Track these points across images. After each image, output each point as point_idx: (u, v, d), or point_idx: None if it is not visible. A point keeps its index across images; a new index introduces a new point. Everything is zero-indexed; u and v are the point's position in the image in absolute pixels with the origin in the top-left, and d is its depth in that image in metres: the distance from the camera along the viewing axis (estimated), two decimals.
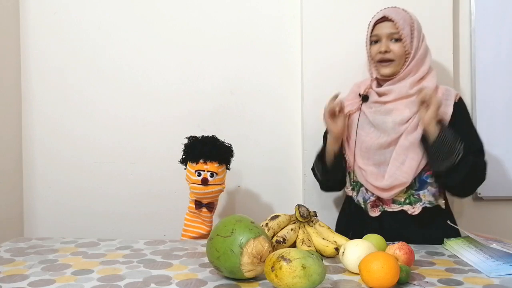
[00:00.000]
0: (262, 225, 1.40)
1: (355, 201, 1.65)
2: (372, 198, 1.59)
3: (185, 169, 1.72)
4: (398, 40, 1.56)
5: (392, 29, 1.56)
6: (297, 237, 1.40)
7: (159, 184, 2.09)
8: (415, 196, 1.56)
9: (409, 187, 1.55)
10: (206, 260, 1.28)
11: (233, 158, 1.75)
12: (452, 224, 1.52)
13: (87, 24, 2.11)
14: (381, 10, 1.61)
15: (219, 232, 1.14)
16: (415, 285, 1.10)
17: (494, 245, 1.23)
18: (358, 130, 1.62)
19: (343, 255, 1.20)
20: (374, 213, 1.60)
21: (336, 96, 1.60)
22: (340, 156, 1.66)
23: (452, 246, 1.39)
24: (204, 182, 1.65)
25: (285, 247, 1.27)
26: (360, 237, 1.28)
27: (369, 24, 1.62)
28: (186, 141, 1.72)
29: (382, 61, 1.59)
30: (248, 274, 1.11)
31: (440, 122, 1.46)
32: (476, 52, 1.98)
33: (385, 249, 1.24)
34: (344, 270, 1.21)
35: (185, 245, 1.48)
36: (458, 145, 1.44)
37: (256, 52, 2.07)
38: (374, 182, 1.56)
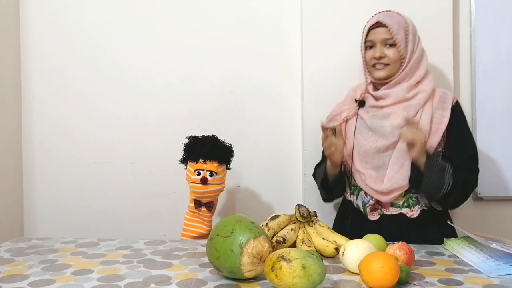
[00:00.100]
0: (262, 225, 1.40)
1: (355, 205, 1.65)
2: (372, 202, 1.59)
3: (186, 168, 1.72)
4: (392, 45, 1.56)
5: (386, 35, 1.55)
6: (297, 237, 1.40)
7: (159, 184, 2.09)
8: (414, 199, 1.57)
9: (407, 191, 1.56)
10: (206, 260, 1.28)
11: (233, 158, 1.75)
12: (452, 224, 1.52)
13: (87, 24, 2.11)
14: (375, 14, 1.61)
15: (219, 232, 1.14)
16: (415, 285, 1.10)
17: (494, 245, 1.23)
18: (356, 134, 1.62)
19: (343, 255, 1.20)
20: (374, 216, 1.60)
21: (328, 128, 1.60)
22: (342, 174, 1.66)
23: (452, 246, 1.39)
24: (203, 181, 1.65)
25: (285, 247, 1.27)
26: None
27: (363, 29, 1.62)
28: (186, 141, 1.72)
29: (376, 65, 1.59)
30: (248, 274, 1.11)
31: (427, 153, 1.48)
32: (476, 52, 1.98)
33: (385, 249, 1.24)
34: (344, 270, 1.21)
35: (185, 245, 1.48)
36: (447, 174, 1.47)
37: (256, 52, 2.07)
38: (373, 185, 1.56)
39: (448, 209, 1.64)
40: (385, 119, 1.57)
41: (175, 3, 2.09)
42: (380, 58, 1.57)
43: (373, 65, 1.59)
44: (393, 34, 1.54)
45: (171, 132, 2.06)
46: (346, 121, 1.67)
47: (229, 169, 1.76)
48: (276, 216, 1.43)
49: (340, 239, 1.38)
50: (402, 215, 1.57)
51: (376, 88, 1.64)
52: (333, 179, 1.65)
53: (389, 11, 1.60)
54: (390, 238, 1.35)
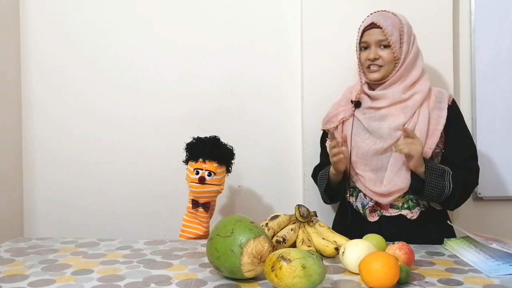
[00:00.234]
0: (262, 225, 1.40)
1: (354, 206, 1.64)
2: (371, 203, 1.59)
3: (187, 168, 1.72)
4: (387, 46, 1.55)
5: (381, 36, 1.54)
6: (297, 237, 1.40)
7: (159, 184, 2.09)
8: (414, 201, 1.56)
9: (406, 192, 1.55)
10: (206, 260, 1.28)
11: (234, 161, 1.74)
12: (452, 224, 1.52)
13: (87, 24, 2.10)
14: (370, 14, 1.60)
15: (219, 232, 1.14)
16: (415, 285, 1.10)
17: (494, 245, 1.23)
18: (353, 136, 1.61)
19: (343, 255, 1.20)
20: (373, 218, 1.59)
21: (333, 133, 1.62)
22: (344, 179, 1.65)
23: (452, 246, 1.39)
24: (201, 180, 1.65)
25: (285, 247, 1.27)
26: None
27: (358, 30, 1.61)
28: (186, 141, 1.72)
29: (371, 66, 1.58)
30: (248, 274, 1.11)
31: (425, 161, 1.48)
32: (476, 52, 1.98)
33: (385, 249, 1.24)
34: (344, 270, 1.21)
35: (185, 245, 1.48)
36: (447, 178, 1.47)
37: (256, 52, 2.07)
38: (373, 187, 1.56)
39: (449, 210, 1.63)
40: (382, 120, 1.56)
41: (175, 3, 2.08)
42: (374, 59, 1.56)
43: (368, 67, 1.58)
44: (388, 35, 1.53)
45: (171, 132, 2.06)
46: (343, 122, 1.66)
47: (230, 171, 1.75)
48: (276, 216, 1.43)
49: (340, 239, 1.38)
50: (401, 216, 1.56)
51: (371, 88, 1.63)
52: (336, 185, 1.65)
53: (384, 11, 1.59)
54: (389, 239, 1.35)
